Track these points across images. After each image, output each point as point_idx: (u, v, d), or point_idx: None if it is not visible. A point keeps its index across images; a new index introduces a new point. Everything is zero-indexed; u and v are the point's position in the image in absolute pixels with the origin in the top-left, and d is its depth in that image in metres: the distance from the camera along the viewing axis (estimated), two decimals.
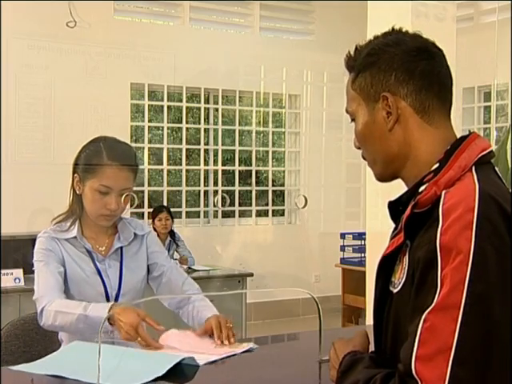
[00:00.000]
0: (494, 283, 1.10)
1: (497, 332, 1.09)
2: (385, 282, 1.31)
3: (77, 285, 2.20)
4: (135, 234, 2.31)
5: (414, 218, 1.23)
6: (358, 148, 1.42)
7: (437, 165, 1.26)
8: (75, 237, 2.22)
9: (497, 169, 1.31)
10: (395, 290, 1.26)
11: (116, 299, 2.21)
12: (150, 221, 5.93)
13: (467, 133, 1.34)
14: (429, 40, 1.37)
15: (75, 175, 2.23)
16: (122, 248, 2.28)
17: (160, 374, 1.66)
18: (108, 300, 2.20)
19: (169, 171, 6.99)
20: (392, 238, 1.32)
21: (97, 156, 2.20)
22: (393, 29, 1.38)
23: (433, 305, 1.11)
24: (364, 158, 1.42)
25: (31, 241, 2.28)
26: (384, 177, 1.40)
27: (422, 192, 1.24)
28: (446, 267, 1.12)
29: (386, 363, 1.22)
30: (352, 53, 1.39)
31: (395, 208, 1.33)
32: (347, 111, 1.41)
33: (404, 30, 1.37)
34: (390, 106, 1.32)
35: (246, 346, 1.96)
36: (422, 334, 1.10)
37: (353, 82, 1.38)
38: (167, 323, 2.07)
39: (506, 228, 1.14)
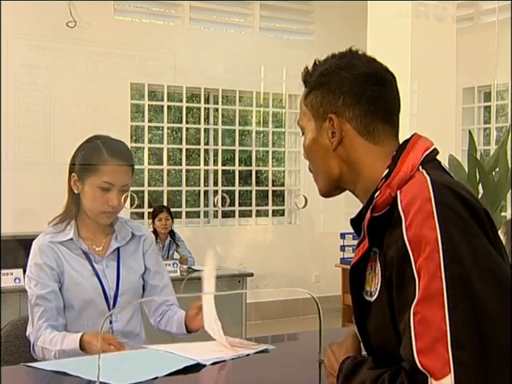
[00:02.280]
0: (468, 262, 1.14)
1: (484, 307, 1.12)
2: (359, 291, 1.33)
3: (74, 288, 2.21)
4: (133, 234, 2.32)
5: (374, 222, 1.27)
6: (307, 159, 1.47)
7: (386, 170, 1.31)
8: (71, 239, 2.22)
9: (443, 164, 1.36)
10: (372, 299, 1.28)
11: (115, 299, 2.23)
12: (150, 221, 5.93)
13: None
14: (382, 66, 1.41)
15: (73, 175, 2.23)
16: (119, 248, 2.29)
17: (159, 376, 1.67)
18: (107, 300, 2.21)
19: (169, 171, 6.99)
20: (356, 246, 1.35)
21: (96, 154, 2.21)
22: (350, 49, 1.42)
23: (417, 297, 1.13)
24: (311, 171, 1.48)
25: (31, 241, 2.28)
26: (325, 193, 1.49)
27: (377, 196, 1.28)
28: (419, 259, 1.16)
29: (388, 363, 1.23)
30: (310, 67, 1.43)
31: (358, 224, 1.37)
32: (298, 124, 1.47)
33: (361, 52, 1.42)
34: (335, 128, 1.37)
35: (260, 347, 1.94)
36: (415, 328, 1.12)
37: (305, 97, 1.43)
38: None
39: (464, 210, 1.19)
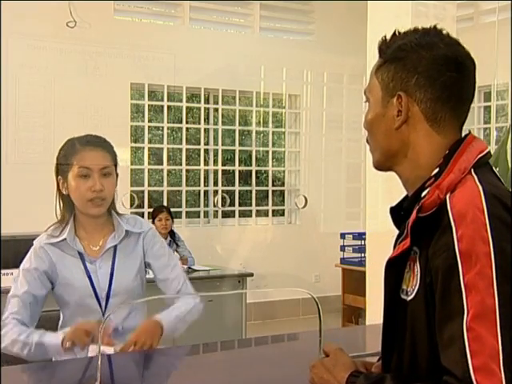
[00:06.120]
0: None
1: None
2: (393, 287, 1.30)
3: (67, 288, 2.22)
4: (128, 232, 2.29)
5: (419, 223, 1.23)
6: (367, 130, 1.41)
7: (437, 169, 1.26)
8: (65, 239, 2.23)
9: (494, 169, 1.32)
10: (409, 298, 1.25)
11: (107, 300, 2.22)
12: (150, 221, 5.93)
13: (465, 133, 1.34)
14: (464, 50, 1.35)
15: (59, 178, 2.27)
16: (115, 247, 2.27)
17: None
18: (99, 301, 2.21)
19: (169, 171, 6.98)
20: (398, 243, 1.31)
21: (70, 148, 2.26)
22: (434, 27, 1.35)
23: (470, 313, 1.11)
24: (368, 142, 1.42)
25: (31, 241, 2.29)
26: (380, 167, 1.40)
27: (425, 196, 1.24)
28: (469, 273, 1.12)
29: (410, 368, 1.21)
30: (388, 37, 1.36)
31: (397, 213, 1.33)
32: (365, 93, 1.41)
33: (445, 32, 1.35)
34: (403, 106, 1.31)
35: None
36: (470, 345, 1.10)
37: (377, 69, 1.37)
38: None
39: None
